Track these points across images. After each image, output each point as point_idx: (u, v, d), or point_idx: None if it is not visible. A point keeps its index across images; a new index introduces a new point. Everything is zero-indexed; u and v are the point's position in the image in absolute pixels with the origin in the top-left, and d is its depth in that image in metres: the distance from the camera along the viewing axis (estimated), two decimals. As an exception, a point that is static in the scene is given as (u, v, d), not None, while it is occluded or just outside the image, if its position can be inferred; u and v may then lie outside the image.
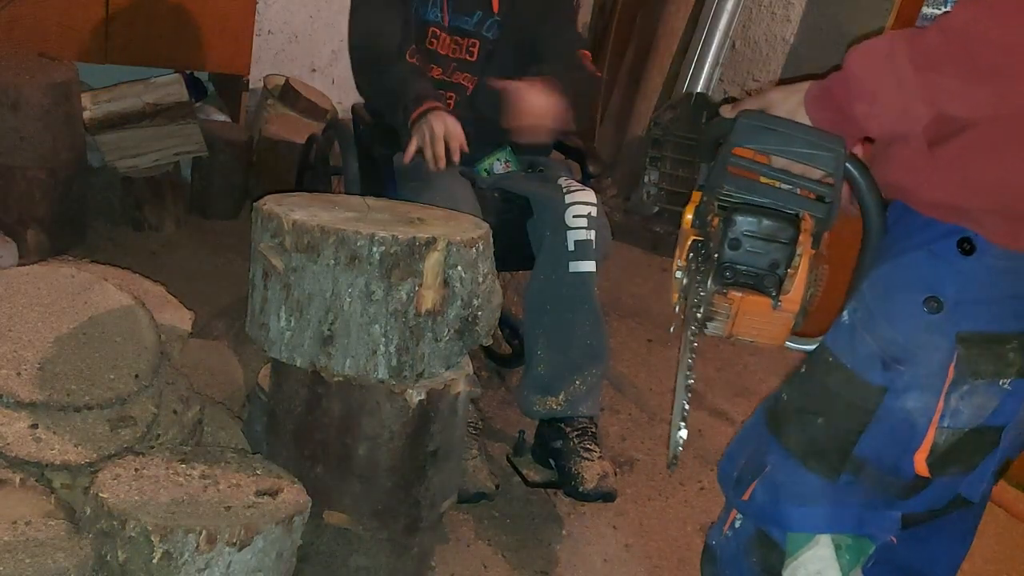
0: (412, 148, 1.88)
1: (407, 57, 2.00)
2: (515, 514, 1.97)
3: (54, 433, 1.42)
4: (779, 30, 3.85)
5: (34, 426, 1.42)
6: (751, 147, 1.02)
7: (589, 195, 1.97)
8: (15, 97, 2.42)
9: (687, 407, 1.08)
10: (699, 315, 1.06)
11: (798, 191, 1.03)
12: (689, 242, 1.09)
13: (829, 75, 1.02)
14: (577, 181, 2.07)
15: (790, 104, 1.04)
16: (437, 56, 2.05)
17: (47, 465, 1.39)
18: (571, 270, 1.92)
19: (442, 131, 1.85)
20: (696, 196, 1.10)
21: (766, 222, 1.02)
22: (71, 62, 2.64)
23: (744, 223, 1.02)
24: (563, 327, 1.95)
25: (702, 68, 3.98)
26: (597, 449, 1.94)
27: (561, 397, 1.95)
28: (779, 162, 1.03)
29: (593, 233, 1.92)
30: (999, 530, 2.24)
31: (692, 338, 1.07)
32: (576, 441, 1.93)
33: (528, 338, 2.01)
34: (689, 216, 1.10)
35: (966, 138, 0.96)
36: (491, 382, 2.42)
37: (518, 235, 2.02)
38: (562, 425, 1.96)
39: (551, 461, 1.99)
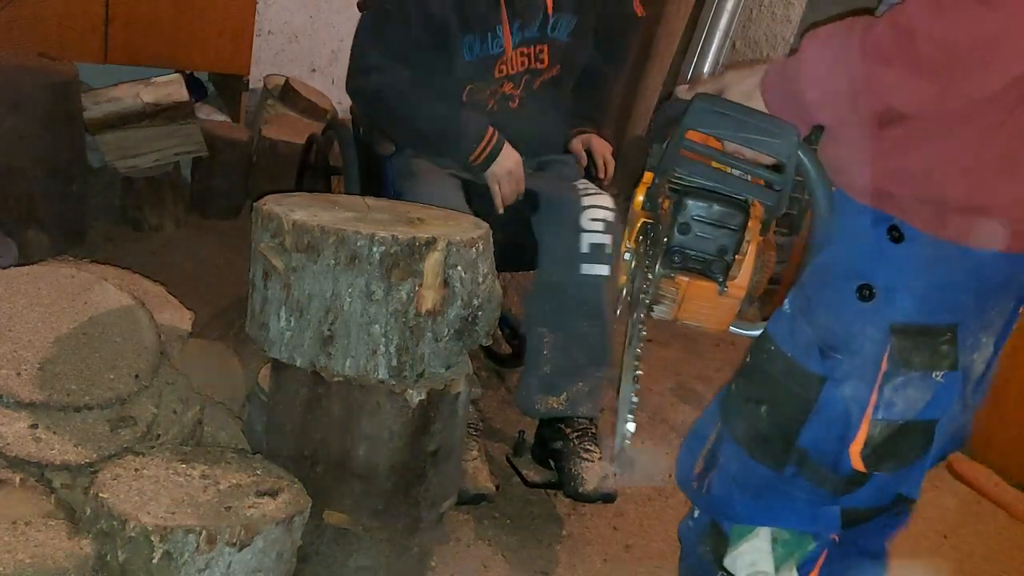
0: (499, 199, 1.94)
1: (464, 96, 1.97)
2: (515, 514, 1.96)
3: (54, 433, 1.42)
4: (779, 30, 3.85)
5: (34, 426, 1.42)
6: (704, 131, 1.01)
7: (607, 199, 1.96)
8: (15, 97, 2.42)
9: (635, 399, 1.06)
10: (645, 298, 1.06)
11: (749, 177, 1.03)
12: (639, 224, 1.09)
13: (785, 60, 1.01)
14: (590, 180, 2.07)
15: (745, 87, 1.04)
16: (508, 76, 2.01)
17: (47, 465, 1.39)
18: (583, 272, 1.91)
19: (512, 170, 1.94)
20: (648, 177, 1.09)
21: (716, 207, 1.01)
22: (71, 62, 2.64)
23: (694, 208, 1.01)
24: (570, 328, 1.94)
25: (702, 68, 3.98)
26: (597, 450, 1.94)
27: (563, 397, 1.95)
28: (731, 147, 1.02)
29: (609, 238, 1.92)
30: (999, 530, 2.24)
31: (640, 324, 1.05)
32: (576, 442, 1.93)
33: (532, 336, 2.00)
34: (640, 198, 1.09)
35: (899, 128, 0.96)
36: (491, 382, 2.42)
37: (526, 234, 2.01)
38: (562, 426, 1.96)
39: (551, 462, 1.99)
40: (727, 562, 1.15)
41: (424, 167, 1.98)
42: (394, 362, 1.42)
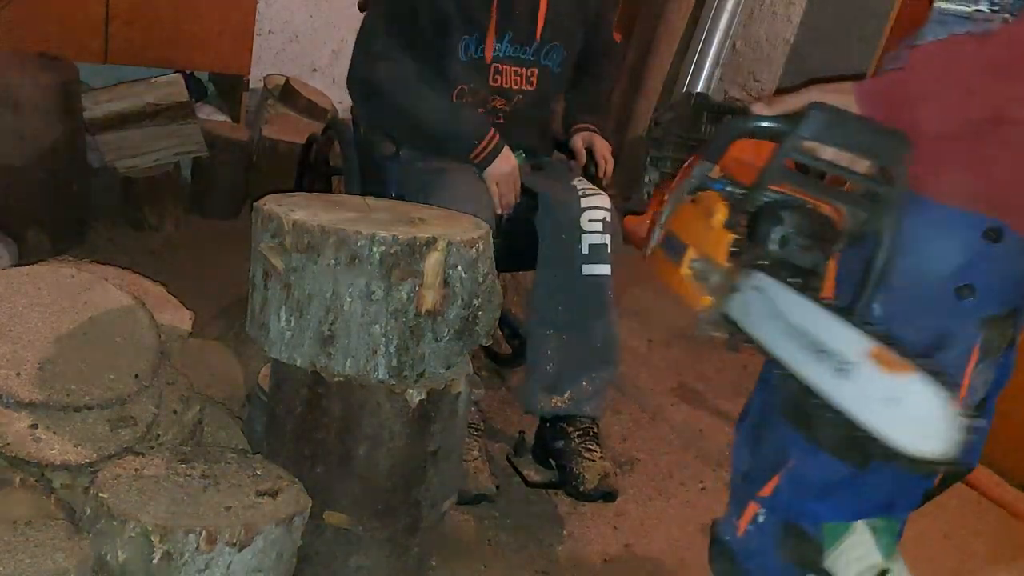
0: (501, 200, 1.95)
1: (454, 98, 1.98)
2: (515, 514, 1.96)
3: (54, 433, 1.42)
4: (780, 30, 3.85)
5: (34, 426, 1.42)
6: (820, 142, 1.01)
7: (604, 199, 1.97)
8: (15, 97, 2.42)
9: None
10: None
11: (854, 188, 1.03)
12: (728, 242, 1.06)
13: (883, 75, 1.06)
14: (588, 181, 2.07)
15: (834, 101, 1.05)
16: (501, 90, 2.03)
17: (47, 465, 1.39)
18: (584, 273, 1.92)
19: (510, 173, 1.95)
20: (712, 195, 1.07)
21: (813, 220, 1.00)
22: (71, 62, 2.64)
23: (793, 220, 1.00)
24: (574, 328, 1.94)
25: (702, 68, 3.98)
26: (598, 449, 1.94)
27: (567, 396, 1.95)
28: (828, 154, 1.03)
29: (608, 237, 1.92)
30: (999, 530, 2.24)
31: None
32: (578, 441, 1.93)
33: (535, 336, 2.00)
34: (719, 216, 1.07)
35: (1000, 136, 1.00)
36: (491, 382, 2.42)
37: (526, 234, 2.01)
38: (564, 425, 1.96)
39: (551, 461, 1.99)
40: (828, 563, 1.16)
41: (447, 163, 1.99)
42: (394, 362, 1.42)
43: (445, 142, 1.96)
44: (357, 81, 2.00)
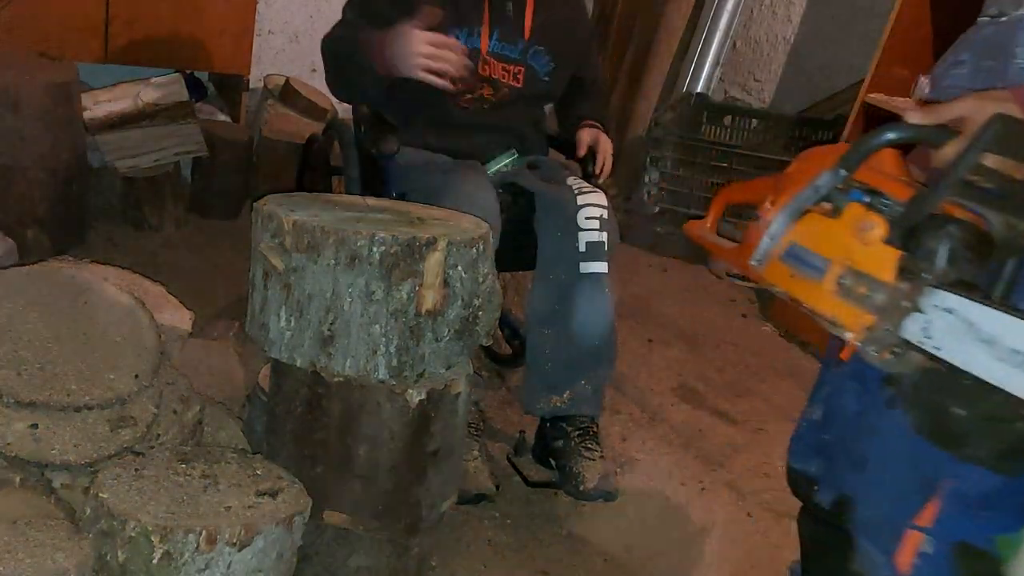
0: (437, 80, 1.80)
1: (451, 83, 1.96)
2: (515, 514, 1.96)
3: (54, 433, 1.42)
4: (780, 30, 3.85)
5: (34, 426, 1.42)
6: (999, 153, 0.97)
7: (601, 197, 1.97)
8: (15, 97, 2.42)
9: None
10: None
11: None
12: (895, 259, 1.01)
13: None
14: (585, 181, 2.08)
15: (998, 109, 1.01)
16: (490, 80, 2.05)
17: (47, 465, 1.39)
18: (582, 271, 1.92)
19: (422, 51, 1.77)
20: (859, 208, 1.03)
21: (976, 235, 0.97)
22: (71, 62, 2.64)
23: (961, 235, 0.96)
24: (573, 327, 1.94)
25: (702, 68, 3.98)
26: (598, 449, 1.94)
27: (565, 396, 1.95)
28: (1005, 165, 0.99)
29: (605, 235, 1.92)
30: (1000, 530, 2.23)
31: None
32: (577, 440, 1.93)
33: (533, 335, 2.00)
34: (881, 231, 1.02)
35: None
36: (491, 382, 2.42)
37: (527, 233, 2.01)
38: (564, 424, 1.96)
39: (551, 461, 1.99)
40: (1012, 573, 1.15)
41: (450, 165, 1.99)
42: (394, 362, 1.42)
43: (362, 68, 1.88)
44: (321, 48, 2.00)
